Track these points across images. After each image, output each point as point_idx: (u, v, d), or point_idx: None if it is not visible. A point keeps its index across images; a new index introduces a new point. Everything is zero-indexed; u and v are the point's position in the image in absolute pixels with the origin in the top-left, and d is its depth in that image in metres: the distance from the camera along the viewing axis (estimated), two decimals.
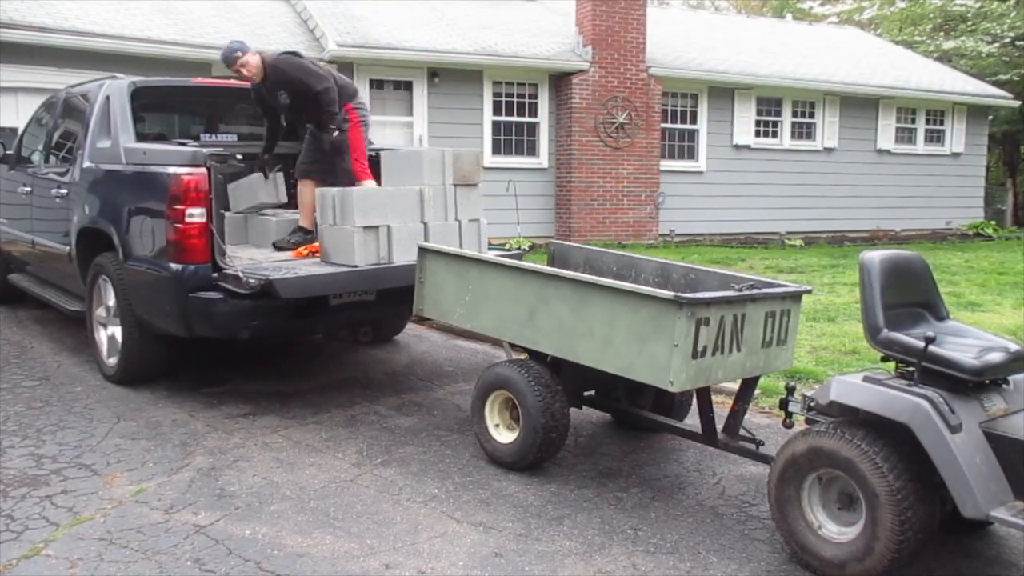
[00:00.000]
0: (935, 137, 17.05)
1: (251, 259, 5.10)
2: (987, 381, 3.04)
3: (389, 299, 5.11)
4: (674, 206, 14.05)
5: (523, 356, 4.29)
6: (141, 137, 5.60)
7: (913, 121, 16.71)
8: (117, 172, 5.17)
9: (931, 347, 2.97)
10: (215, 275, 4.59)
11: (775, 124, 15.34)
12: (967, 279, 9.98)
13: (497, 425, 4.15)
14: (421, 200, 5.07)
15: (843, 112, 15.77)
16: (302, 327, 5.49)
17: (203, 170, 4.57)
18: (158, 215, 4.68)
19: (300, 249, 5.37)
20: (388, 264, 4.90)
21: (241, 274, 4.47)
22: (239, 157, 4.86)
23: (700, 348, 3.43)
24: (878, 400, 2.98)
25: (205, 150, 4.74)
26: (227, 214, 5.31)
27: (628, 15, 13.31)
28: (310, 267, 4.87)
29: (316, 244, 5.32)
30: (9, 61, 9.90)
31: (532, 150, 13.38)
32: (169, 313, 4.74)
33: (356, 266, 4.78)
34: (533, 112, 13.31)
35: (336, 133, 5.44)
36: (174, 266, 4.61)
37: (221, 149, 4.97)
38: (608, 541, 3.34)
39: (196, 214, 4.56)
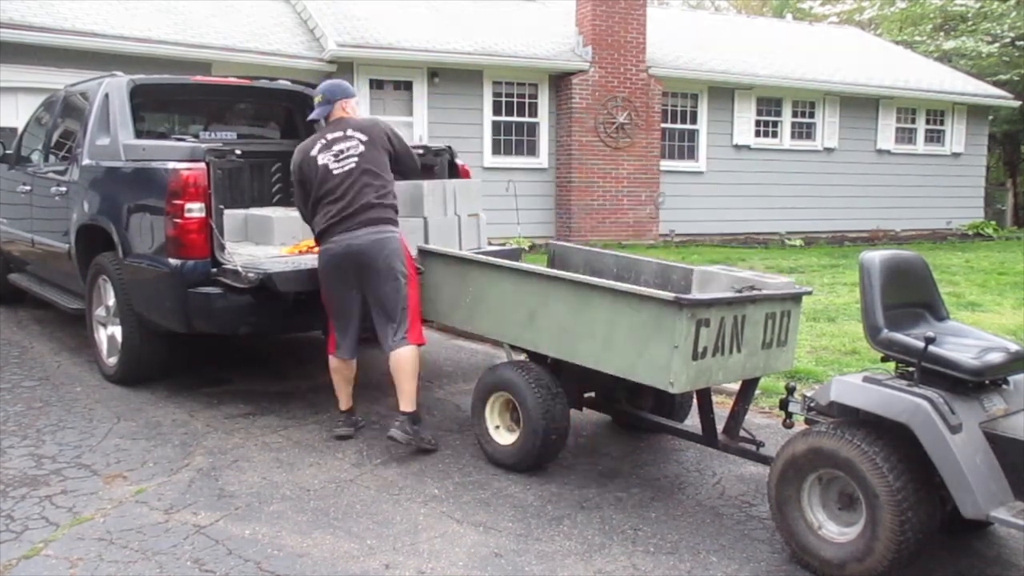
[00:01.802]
0: (935, 137, 17.05)
1: (250, 255, 5.10)
2: (987, 381, 3.04)
3: None
4: (674, 206, 14.05)
5: (523, 357, 4.29)
6: (140, 135, 5.60)
7: (913, 121, 16.72)
8: (116, 169, 5.17)
9: (931, 347, 2.97)
10: (214, 270, 4.60)
11: (775, 124, 15.35)
12: (967, 279, 9.98)
13: (497, 427, 4.15)
14: (421, 195, 5.08)
15: (843, 112, 15.77)
16: (302, 323, 5.49)
17: (202, 165, 4.57)
18: (157, 211, 4.68)
19: (299, 245, 5.37)
20: None
21: (240, 269, 4.47)
22: (238, 153, 4.87)
23: (700, 349, 3.42)
24: (878, 400, 2.98)
25: (204, 145, 4.75)
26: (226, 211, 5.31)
27: (628, 15, 13.32)
28: (309, 261, 4.88)
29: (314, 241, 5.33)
30: (9, 61, 9.90)
31: (532, 150, 13.39)
32: (168, 309, 4.74)
33: None
34: (533, 112, 13.31)
35: None
36: (173, 261, 4.61)
37: (220, 145, 4.97)
38: (608, 541, 3.34)
39: (195, 209, 4.56)
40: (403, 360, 4.20)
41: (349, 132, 4.30)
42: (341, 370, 4.45)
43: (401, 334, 4.21)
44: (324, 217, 4.23)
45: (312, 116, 4.53)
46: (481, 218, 5.36)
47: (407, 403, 4.21)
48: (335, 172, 4.22)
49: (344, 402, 4.53)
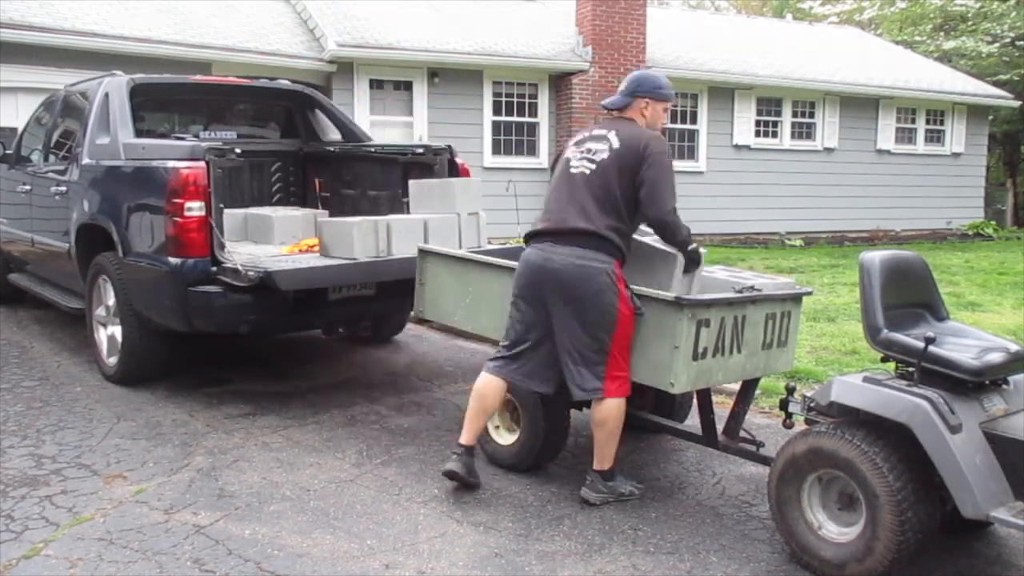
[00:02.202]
0: (935, 137, 17.05)
1: (250, 254, 5.10)
2: (987, 381, 3.04)
3: (389, 294, 5.12)
4: None
5: None
6: (140, 134, 5.60)
7: (913, 121, 16.71)
8: (116, 168, 5.17)
9: (931, 347, 2.97)
10: (214, 269, 4.59)
11: (775, 124, 15.34)
12: (967, 279, 9.98)
13: (497, 427, 4.15)
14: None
15: (843, 112, 15.77)
16: (301, 322, 5.49)
17: (202, 164, 4.57)
18: (157, 210, 4.68)
19: (299, 244, 5.38)
20: (387, 257, 4.91)
21: (240, 267, 4.47)
22: (238, 152, 4.88)
23: (701, 350, 3.42)
24: (878, 400, 2.98)
25: (203, 144, 4.75)
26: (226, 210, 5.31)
27: (628, 15, 13.31)
28: (309, 260, 4.88)
29: (314, 240, 5.33)
30: (9, 61, 9.89)
31: (532, 150, 13.38)
32: (168, 308, 4.74)
33: (355, 259, 4.79)
34: (533, 112, 13.31)
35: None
36: (173, 260, 4.61)
37: (220, 144, 4.97)
38: (608, 541, 3.34)
39: (195, 208, 4.55)
40: (600, 414, 3.56)
41: (610, 134, 3.59)
42: (482, 393, 3.70)
43: (594, 382, 3.51)
44: (539, 214, 3.71)
45: (605, 102, 3.82)
46: (481, 217, 5.37)
47: (601, 461, 3.68)
48: (571, 171, 3.61)
49: (467, 435, 3.77)
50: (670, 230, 3.60)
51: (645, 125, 3.68)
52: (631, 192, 3.51)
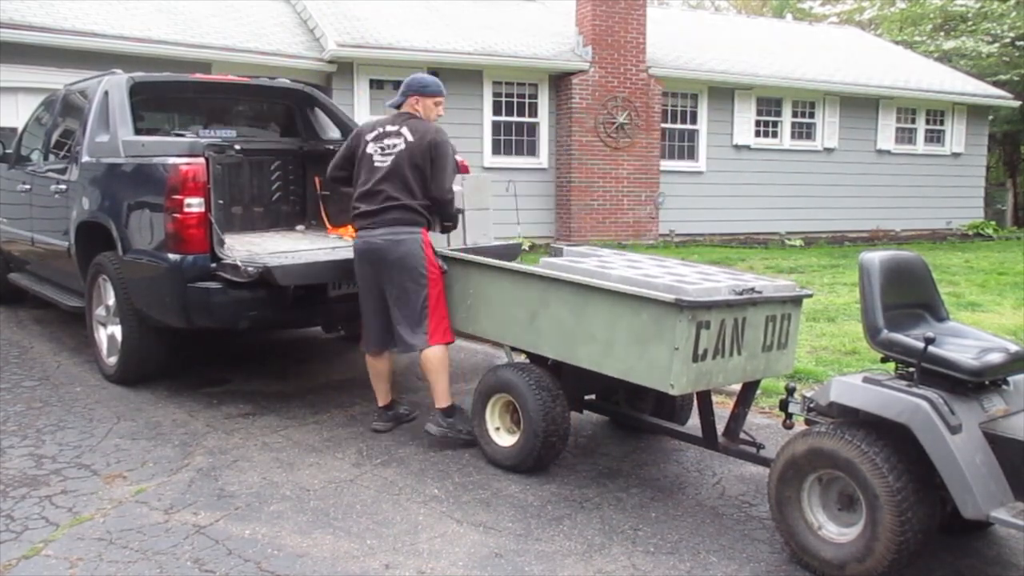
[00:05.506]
0: (935, 137, 17.05)
1: (248, 250, 5.11)
2: (987, 382, 3.04)
3: None
4: (674, 206, 14.05)
5: (522, 358, 4.29)
6: (140, 133, 5.60)
7: (913, 121, 16.72)
8: (116, 165, 5.17)
9: (931, 348, 2.97)
10: (214, 265, 4.60)
11: (775, 124, 15.34)
12: (967, 279, 9.98)
13: (498, 428, 4.15)
14: None
15: (843, 112, 15.77)
16: (301, 318, 5.48)
17: (201, 160, 4.57)
18: (156, 206, 4.68)
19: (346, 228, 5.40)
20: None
21: (240, 263, 4.47)
22: (237, 148, 4.86)
23: (701, 351, 3.42)
24: (878, 401, 2.98)
25: (203, 141, 4.74)
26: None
27: (628, 15, 13.32)
28: (307, 256, 4.88)
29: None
30: (9, 61, 9.89)
31: (532, 150, 13.39)
32: (168, 305, 4.74)
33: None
34: (533, 112, 13.31)
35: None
36: (173, 257, 4.60)
37: (220, 141, 4.97)
38: (608, 541, 3.34)
39: (194, 204, 4.55)
40: (428, 361, 4.27)
41: (402, 129, 4.36)
42: (371, 364, 4.54)
43: (422, 336, 4.24)
44: (356, 205, 4.40)
45: (389, 102, 4.66)
46: (489, 213, 5.35)
47: (439, 400, 4.35)
48: (375, 164, 4.33)
49: (380, 398, 4.61)
50: (446, 208, 4.51)
51: (424, 117, 4.45)
52: (422, 175, 4.31)
